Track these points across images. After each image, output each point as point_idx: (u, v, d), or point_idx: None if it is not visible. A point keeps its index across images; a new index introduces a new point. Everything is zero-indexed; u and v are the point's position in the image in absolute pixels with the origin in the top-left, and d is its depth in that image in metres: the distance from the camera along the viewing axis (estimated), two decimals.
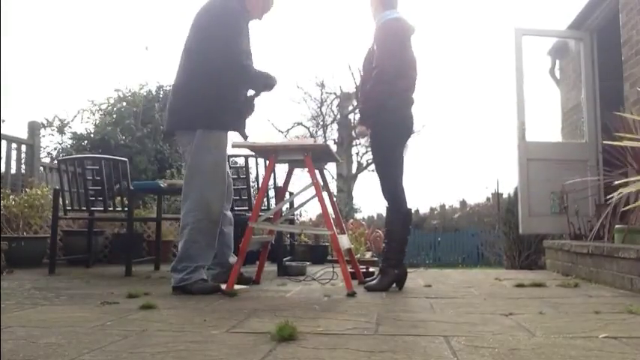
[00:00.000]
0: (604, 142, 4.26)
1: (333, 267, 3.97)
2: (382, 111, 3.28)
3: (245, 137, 3.32)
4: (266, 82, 3.25)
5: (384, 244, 3.41)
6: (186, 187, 3.16)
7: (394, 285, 3.25)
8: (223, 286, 3.04)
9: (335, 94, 19.82)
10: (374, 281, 3.28)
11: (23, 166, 6.56)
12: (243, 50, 3.17)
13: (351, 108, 19.37)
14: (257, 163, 4.47)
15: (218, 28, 3.11)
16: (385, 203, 3.38)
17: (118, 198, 4.64)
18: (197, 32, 3.19)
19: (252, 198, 4.42)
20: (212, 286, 3.05)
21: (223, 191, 3.20)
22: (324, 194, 3.27)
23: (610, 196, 3.52)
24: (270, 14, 3.45)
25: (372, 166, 18.82)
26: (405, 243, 3.36)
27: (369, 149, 19.52)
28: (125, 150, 7.95)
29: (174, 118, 3.24)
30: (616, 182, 3.53)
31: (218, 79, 3.09)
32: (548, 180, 4.99)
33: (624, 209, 3.58)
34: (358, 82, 3.80)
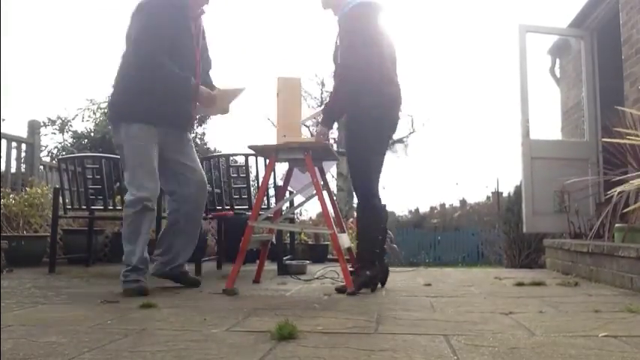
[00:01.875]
0: (604, 139, 4.26)
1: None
2: (355, 108, 3.11)
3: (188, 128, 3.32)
4: (185, 88, 3.08)
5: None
6: (127, 182, 3.12)
7: (379, 284, 3.18)
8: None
9: None
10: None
11: (23, 165, 6.56)
12: (164, 48, 3.00)
13: None
14: (257, 162, 4.47)
15: (142, 26, 3.01)
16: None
17: (118, 197, 4.64)
18: (128, 29, 3.10)
19: (253, 197, 4.42)
20: (140, 287, 2.94)
21: (147, 171, 3.05)
22: (324, 193, 3.27)
23: (610, 192, 3.51)
24: (210, 5, 3.27)
25: None
26: (377, 242, 3.18)
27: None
28: None
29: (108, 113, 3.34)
30: (616, 178, 3.53)
31: (135, 75, 3.03)
32: (551, 179, 4.94)
33: (624, 211, 3.58)
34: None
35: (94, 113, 9.04)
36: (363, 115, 3.10)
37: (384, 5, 3.18)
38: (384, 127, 3.20)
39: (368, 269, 3.08)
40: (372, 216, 3.16)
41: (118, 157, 4.54)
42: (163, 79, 3.03)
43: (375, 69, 3.09)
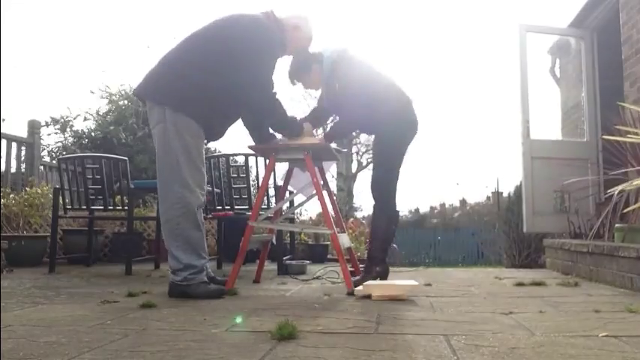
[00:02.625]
0: (603, 137, 4.26)
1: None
2: (377, 118, 3.30)
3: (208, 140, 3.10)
4: (287, 128, 3.22)
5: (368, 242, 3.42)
6: (166, 178, 2.88)
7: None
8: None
9: None
10: (356, 278, 3.25)
11: (23, 165, 6.57)
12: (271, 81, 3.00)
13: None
14: (257, 162, 4.47)
15: (252, 51, 2.89)
16: (372, 201, 3.42)
17: (118, 197, 4.64)
18: (224, 37, 2.90)
19: (252, 197, 4.42)
20: (218, 289, 2.88)
21: (203, 179, 2.96)
22: (324, 193, 3.27)
23: (610, 190, 3.51)
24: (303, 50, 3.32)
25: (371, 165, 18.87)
26: (389, 243, 3.42)
27: (369, 148, 19.46)
28: (126, 149, 7.95)
29: (149, 86, 2.94)
30: (615, 177, 3.53)
31: (227, 88, 2.89)
32: (551, 178, 4.96)
33: (625, 211, 3.58)
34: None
35: (95, 113, 9.04)
36: (385, 123, 3.33)
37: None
38: (407, 131, 3.43)
39: (377, 266, 3.26)
40: (389, 217, 3.37)
41: (118, 157, 4.57)
42: (272, 114, 3.09)
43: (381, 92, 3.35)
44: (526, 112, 5.13)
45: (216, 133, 3.06)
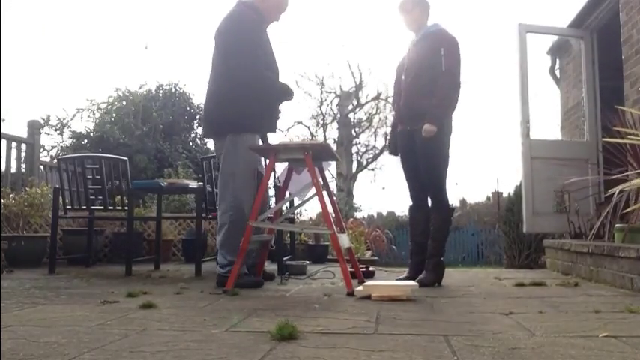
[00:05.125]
0: (604, 139, 4.26)
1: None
2: (449, 115, 3.50)
3: (265, 140, 3.50)
4: (284, 92, 3.43)
5: (429, 242, 3.49)
6: (222, 190, 3.40)
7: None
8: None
9: (335, 92, 19.79)
10: (422, 275, 3.40)
11: (23, 165, 6.57)
12: (262, 61, 3.32)
13: (350, 107, 19.35)
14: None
15: (238, 44, 3.27)
16: (429, 202, 3.56)
17: (118, 197, 4.64)
18: (220, 48, 3.37)
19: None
20: (254, 280, 3.29)
21: (254, 191, 3.32)
22: (324, 193, 3.27)
23: (610, 191, 3.52)
24: (286, 13, 3.54)
25: (372, 166, 18.83)
26: (446, 240, 3.58)
27: (369, 149, 19.35)
28: (125, 149, 7.95)
29: (206, 126, 3.60)
30: (615, 178, 3.53)
31: (243, 90, 3.27)
32: (551, 179, 4.95)
33: (625, 211, 3.58)
34: (391, 92, 3.92)
35: (94, 113, 9.05)
36: (449, 123, 3.51)
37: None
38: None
39: (441, 263, 3.44)
40: (446, 217, 3.52)
41: (118, 157, 4.57)
42: (269, 89, 3.36)
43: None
44: (526, 112, 5.13)
45: (272, 124, 3.46)
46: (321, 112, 19.93)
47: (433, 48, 3.45)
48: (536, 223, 5.13)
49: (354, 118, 19.30)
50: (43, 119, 8.46)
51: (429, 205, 3.56)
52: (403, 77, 3.63)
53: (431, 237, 3.47)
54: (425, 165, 3.46)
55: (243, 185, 3.32)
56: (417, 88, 3.48)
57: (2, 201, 5.05)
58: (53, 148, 8.62)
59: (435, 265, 3.42)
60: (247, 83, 3.27)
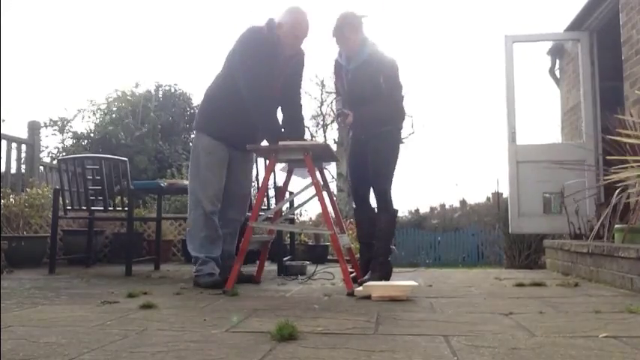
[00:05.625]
0: (604, 136, 4.27)
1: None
2: (400, 117, 3.58)
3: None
4: (268, 131, 3.34)
5: (375, 242, 3.48)
6: (189, 189, 3.49)
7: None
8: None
9: (335, 93, 19.77)
10: (367, 275, 3.37)
11: (23, 166, 6.57)
12: (262, 83, 3.27)
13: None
14: (257, 163, 4.46)
15: (245, 57, 3.27)
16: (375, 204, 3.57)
17: (118, 198, 4.64)
18: (231, 55, 3.39)
19: (253, 198, 4.41)
20: (214, 280, 3.23)
21: (215, 191, 3.38)
22: (324, 194, 3.27)
23: (610, 191, 3.52)
24: (307, 40, 3.45)
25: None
26: (391, 242, 3.61)
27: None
28: (125, 149, 7.95)
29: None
30: (615, 179, 3.53)
31: (230, 96, 3.32)
32: (540, 181, 5.18)
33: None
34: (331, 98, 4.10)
35: (94, 114, 9.05)
36: (401, 128, 3.63)
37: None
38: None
39: (384, 264, 3.41)
40: (390, 219, 3.53)
41: (118, 157, 4.57)
42: (258, 116, 3.30)
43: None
44: (512, 120, 5.40)
45: (248, 141, 3.32)
46: (321, 112, 19.94)
47: (372, 77, 3.46)
48: (522, 224, 5.39)
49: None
50: (51, 119, 8.48)
51: (374, 207, 3.60)
52: (346, 97, 3.64)
53: (376, 237, 3.47)
54: (375, 166, 3.50)
55: (203, 182, 3.37)
56: (362, 105, 3.50)
57: (2, 201, 5.05)
58: (56, 148, 8.63)
59: (380, 265, 3.41)
60: (240, 98, 3.26)
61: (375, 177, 3.51)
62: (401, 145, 3.69)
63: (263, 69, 3.25)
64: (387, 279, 3.39)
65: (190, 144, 9.89)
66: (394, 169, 3.57)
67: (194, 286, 3.27)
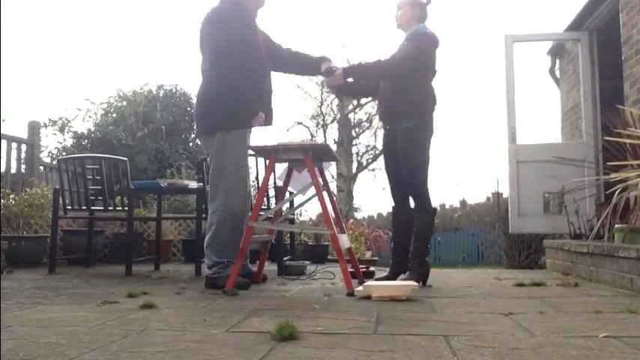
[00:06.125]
0: (604, 137, 4.27)
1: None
2: (424, 113, 3.45)
3: (269, 124, 3.42)
4: (257, 102, 3.30)
5: (412, 243, 3.45)
6: (212, 189, 3.37)
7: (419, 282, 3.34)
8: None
9: None
10: (406, 275, 3.35)
11: (23, 166, 6.56)
12: (252, 57, 3.27)
13: (351, 107, 19.31)
14: (257, 163, 4.46)
15: (227, 47, 3.20)
16: (410, 203, 3.54)
17: (118, 197, 4.64)
18: (203, 44, 3.34)
19: (253, 197, 4.41)
20: (241, 282, 3.15)
21: (245, 190, 3.36)
22: (324, 194, 3.27)
23: (610, 191, 3.52)
24: (264, 8, 3.48)
25: (372, 166, 18.82)
26: (429, 241, 3.55)
27: (369, 149, 19.31)
28: (125, 149, 7.95)
29: (197, 127, 3.57)
30: (616, 178, 3.53)
31: (232, 89, 3.22)
32: (540, 181, 5.18)
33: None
34: None
35: (95, 114, 9.04)
36: (428, 121, 3.48)
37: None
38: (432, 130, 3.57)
39: (422, 265, 3.39)
40: (429, 218, 3.46)
41: (118, 157, 4.56)
42: (235, 101, 3.24)
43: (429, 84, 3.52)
44: (512, 120, 5.41)
45: (264, 116, 3.32)
46: (321, 112, 19.94)
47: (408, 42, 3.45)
48: (522, 224, 5.40)
49: (354, 119, 19.29)
50: (51, 120, 8.46)
51: (412, 206, 3.54)
52: None
53: (414, 238, 3.43)
54: (406, 165, 3.44)
55: (233, 185, 3.28)
56: (392, 87, 3.46)
57: (2, 201, 5.05)
58: (56, 148, 8.61)
59: (419, 265, 3.39)
60: (237, 85, 3.21)
61: (408, 179, 3.46)
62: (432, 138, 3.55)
63: (247, 41, 3.26)
64: (425, 280, 3.42)
65: (191, 144, 9.93)
66: (426, 168, 3.49)
67: (208, 288, 3.17)
